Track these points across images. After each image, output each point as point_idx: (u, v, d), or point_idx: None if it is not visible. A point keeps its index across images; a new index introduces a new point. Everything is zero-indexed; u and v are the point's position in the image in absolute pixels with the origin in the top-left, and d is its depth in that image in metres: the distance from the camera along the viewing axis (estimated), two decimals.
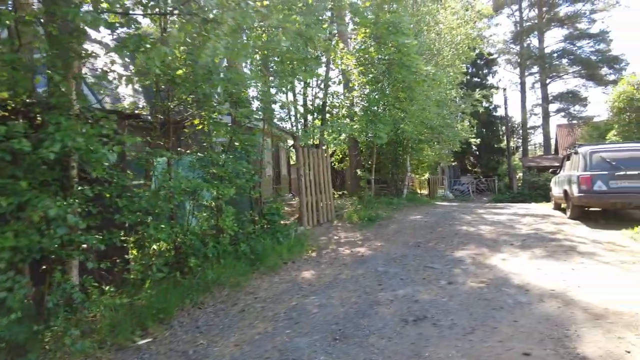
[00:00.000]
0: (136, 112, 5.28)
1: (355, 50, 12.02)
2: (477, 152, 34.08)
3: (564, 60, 31.36)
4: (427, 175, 25.37)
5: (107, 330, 3.68)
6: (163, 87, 5.48)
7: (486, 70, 34.93)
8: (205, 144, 5.89)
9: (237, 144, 6.21)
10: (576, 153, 9.06)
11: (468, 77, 33.36)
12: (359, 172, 12.24)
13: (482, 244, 6.71)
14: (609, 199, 8.01)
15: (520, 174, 27.41)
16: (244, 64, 7.66)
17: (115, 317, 3.83)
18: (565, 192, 9.29)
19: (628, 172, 7.73)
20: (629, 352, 3.00)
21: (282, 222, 7.49)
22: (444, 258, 5.94)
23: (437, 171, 26.66)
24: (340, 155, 16.19)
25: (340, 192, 12.56)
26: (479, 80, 33.40)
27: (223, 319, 4.21)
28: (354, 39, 12.07)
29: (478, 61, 33.61)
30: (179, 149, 5.77)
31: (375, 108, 10.75)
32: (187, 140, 6.46)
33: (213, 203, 5.91)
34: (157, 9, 3.67)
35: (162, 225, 5.02)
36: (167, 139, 5.34)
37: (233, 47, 3.64)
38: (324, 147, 9.85)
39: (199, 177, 5.93)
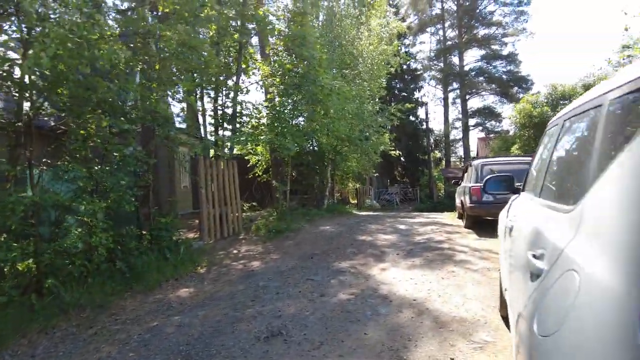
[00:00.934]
0: None
1: (270, 61, 12.01)
2: (405, 163, 35.52)
3: (481, 78, 33.73)
4: (357, 186, 25.99)
5: None
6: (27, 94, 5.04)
7: (413, 85, 36.64)
8: (77, 155, 5.49)
9: (116, 154, 5.87)
10: (470, 166, 9.66)
11: (396, 92, 34.97)
12: (274, 183, 12.17)
13: (371, 253, 6.87)
14: (495, 209, 8.55)
15: (443, 184, 28.90)
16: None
17: None
18: (461, 202, 9.85)
19: None
20: (453, 359, 3.13)
21: (175, 237, 7.16)
22: (329, 269, 5.98)
23: (365, 181, 27.39)
24: (265, 166, 16.04)
25: (250, 204, 12.37)
26: (406, 94, 34.89)
27: (69, 344, 3.87)
28: (269, 49, 12.06)
29: (405, 76, 35.30)
30: (44, 159, 5.32)
31: (287, 119, 10.79)
32: (63, 151, 5.99)
33: (87, 218, 5.51)
34: None
35: (15, 244, 4.60)
36: (25, 148, 4.89)
37: (69, 54, 3.39)
38: (228, 158, 9.64)
39: (70, 190, 5.53)
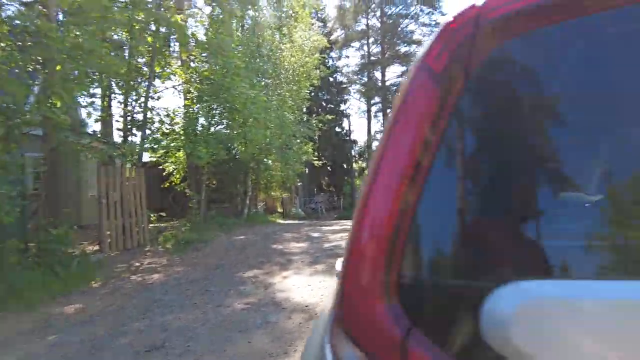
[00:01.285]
0: None
1: (187, 67, 11.74)
2: (331, 173, 36.36)
3: None
4: (283, 195, 26.06)
5: None
6: None
7: (339, 97, 37.76)
8: None
9: None
10: None
11: (323, 103, 35.82)
12: (187, 191, 11.84)
13: (278, 261, 6.95)
14: None
15: None
16: None
17: None
18: None
19: None
20: None
21: (70, 250, 6.69)
22: (232, 280, 5.95)
23: (291, 190, 27.58)
24: (182, 174, 15.52)
25: (158, 214, 11.87)
26: (332, 106, 35.86)
27: None
28: (186, 55, 11.77)
29: (332, 88, 36.33)
30: None
31: (199, 127, 10.61)
32: None
33: None
34: None
35: None
36: None
37: None
38: (135, 164, 9.23)
39: None
